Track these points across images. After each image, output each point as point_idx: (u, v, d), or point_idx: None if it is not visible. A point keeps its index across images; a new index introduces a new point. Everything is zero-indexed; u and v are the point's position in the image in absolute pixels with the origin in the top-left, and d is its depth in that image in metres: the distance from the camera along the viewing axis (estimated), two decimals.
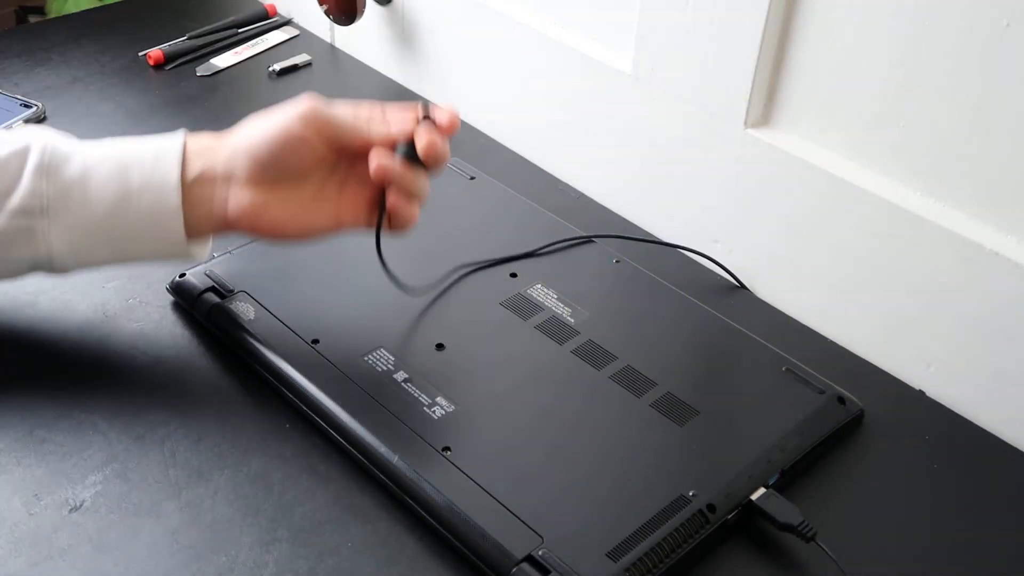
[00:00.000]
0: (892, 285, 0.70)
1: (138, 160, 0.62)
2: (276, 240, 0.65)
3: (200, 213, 0.63)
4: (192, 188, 0.62)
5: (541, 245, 0.77)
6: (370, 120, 0.63)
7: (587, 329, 0.70)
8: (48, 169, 0.62)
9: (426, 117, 0.63)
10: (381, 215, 0.64)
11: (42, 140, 0.63)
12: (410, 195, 0.63)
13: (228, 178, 0.62)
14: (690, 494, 0.58)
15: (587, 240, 0.78)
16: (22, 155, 0.62)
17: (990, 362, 0.67)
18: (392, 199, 0.63)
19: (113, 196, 0.62)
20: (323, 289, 0.71)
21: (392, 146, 0.63)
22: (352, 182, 0.64)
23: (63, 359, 0.67)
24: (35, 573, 0.55)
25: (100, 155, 0.63)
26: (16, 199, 0.61)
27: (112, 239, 0.63)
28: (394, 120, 0.63)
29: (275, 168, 0.62)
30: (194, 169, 0.62)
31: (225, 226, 0.64)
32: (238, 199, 0.62)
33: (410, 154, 0.62)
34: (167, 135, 0.64)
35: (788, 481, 0.62)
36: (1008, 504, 0.63)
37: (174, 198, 0.62)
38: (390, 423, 0.62)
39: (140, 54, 1.05)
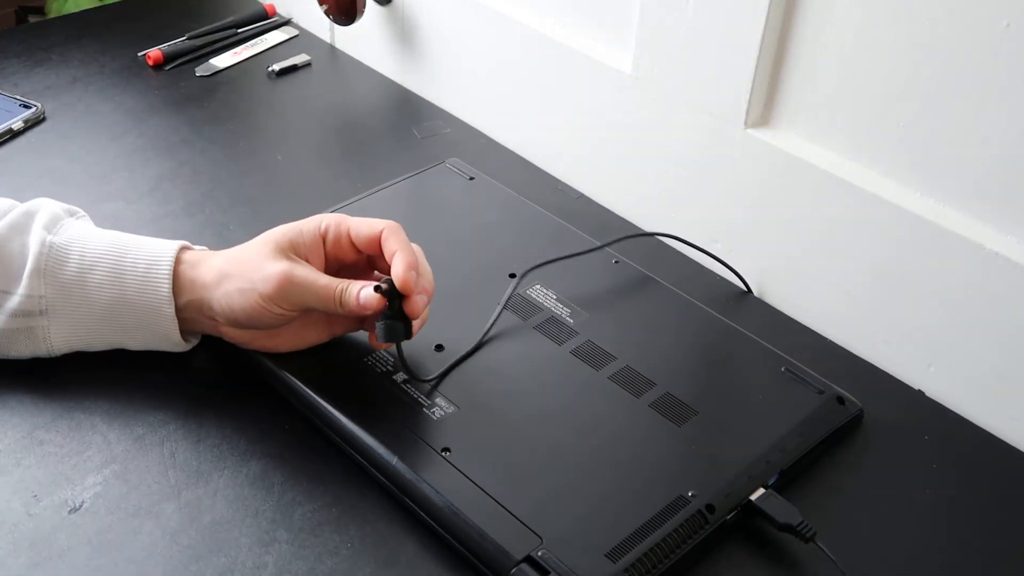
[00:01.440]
0: (892, 285, 0.70)
1: (132, 268, 0.64)
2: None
3: (191, 327, 0.66)
4: (183, 310, 0.65)
5: (542, 246, 0.77)
6: (341, 299, 0.62)
7: (586, 330, 0.70)
8: (46, 272, 0.63)
9: (389, 289, 0.61)
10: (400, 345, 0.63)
11: (40, 235, 0.64)
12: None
13: (213, 318, 0.65)
14: (689, 494, 0.58)
15: (649, 236, 0.78)
16: (22, 255, 0.63)
17: (990, 362, 0.67)
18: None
19: (109, 299, 0.64)
20: None
21: (363, 313, 0.62)
22: None
23: (63, 359, 0.67)
24: (35, 574, 0.55)
25: (96, 254, 0.64)
26: (15, 301, 0.63)
27: (108, 334, 0.66)
28: (363, 299, 0.61)
29: (255, 327, 0.64)
30: (183, 297, 0.64)
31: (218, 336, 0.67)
32: (227, 332, 0.66)
33: (394, 316, 0.62)
34: (160, 244, 0.65)
35: (787, 481, 0.62)
36: (1008, 504, 0.63)
37: (168, 309, 0.64)
38: (389, 424, 0.62)
39: (140, 54, 1.05)
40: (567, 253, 0.75)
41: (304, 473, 0.62)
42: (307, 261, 0.63)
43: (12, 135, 0.91)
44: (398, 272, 0.61)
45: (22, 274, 0.63)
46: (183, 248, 0.65)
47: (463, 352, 0.67)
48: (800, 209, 0.74)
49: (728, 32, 0.72)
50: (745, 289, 0.79)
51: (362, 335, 0.68)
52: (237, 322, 0.63)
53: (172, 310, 0.64)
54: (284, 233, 0.63)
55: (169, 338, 0.65)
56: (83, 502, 0.59)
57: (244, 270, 0.62)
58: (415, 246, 0.64)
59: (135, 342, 0.66)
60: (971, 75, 0.62)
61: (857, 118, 0.69)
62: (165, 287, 0.63)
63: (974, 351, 0.67)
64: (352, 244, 0.64)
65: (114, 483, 0.61)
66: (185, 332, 0.65)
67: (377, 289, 0.60)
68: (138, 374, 0.67)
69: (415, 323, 0.63)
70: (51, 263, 0.63)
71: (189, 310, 0.64)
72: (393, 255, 0.62)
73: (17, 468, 0.61)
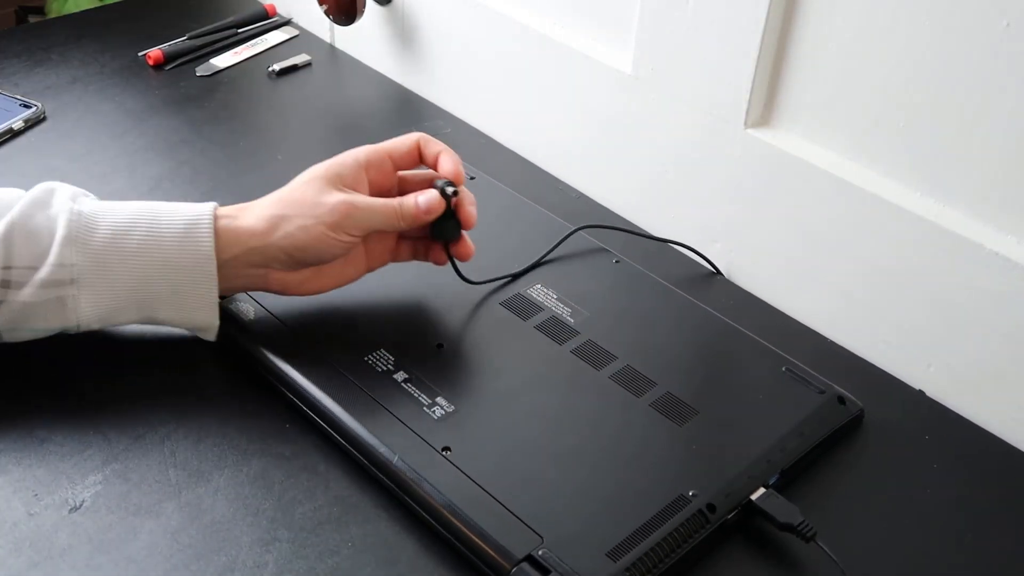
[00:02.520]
0: (892, 285, 0.70)
1: (169, 229, 0.63)
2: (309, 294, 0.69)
3: (233, 284, 0.66)
4: (227, 266, 0.64)
5: (543, 246, 0.77)
6: (402, 212, 0.65)
7: (587, 329, 0.70)
8: (77, 239, 0.62)
9: (450, 191, 0.66)
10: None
11: (67, 205, 0.63)
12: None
13: (265, 267, 0.65)
14: (690, 494, 0.58)
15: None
16: (50, 228, 0.62)
17: (990, 362, 0.67)
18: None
19: (146, 263, 0.63)
20: None
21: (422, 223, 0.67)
22: (376, 233, 0.67)
23: (63, 359, 0.67)
24: (35, 573, 0.55)
25: (128, 221, 0.63)
26: (44, 272, 0.61)
27: (140, 304, 0.64)
28: (423, 202, 0.66)
29: (315, 263, 0.66)
30: (229, 252, 0.64)
31: (258, 290, 0.68)
32: (277, 279, 0.66)
33: (446, 219, 0.67)
34: (193, 205, 0.65)
35: (788, 481, 0.62)
36: (1008, 504, 0.63)
37: (210, 267, 0.63)
38: (390, 423, 0.62)
39: (140, 54, 1.05)
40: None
41: (304, 472, 0.62)
42: (354, 191, 0.66)
43: (12, 135, 0.91)
44: (447, 168, 0.66)
45: (51, 246, 0.62)
46: (216, 206, 0.65)
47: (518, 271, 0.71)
48: (800, 209, 0.74)
49: (728, 32, 0.72)
50: (737, 287, 0.79)
51: (362, 332, 0.68)
52: (301, 260, 0.64)
53: (214, 268, 0.63)
54: (328, 168, 0.66)
55: (204, 304, 0.64)
56: (83, 501, 0.59)
57: (301, 209, 0.64)
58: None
59: (165, 314, 0.65)
60: (971, 75, 0.62)
61: (857, 118, 0.69)
62: (208, 245, 0.63)
63: (974, 351, 0.67)
64: (392, 165, 0.67)
65: (115, 482, 0.61)
66: (224, 291, 0.65)
67: (442, 193, 0.66)
68: (139, 373, 0.67)
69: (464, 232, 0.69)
70: (82, 230, 0.62)
71: (235, 265, 0.64)
72: (437, 156, 0.67)
73: (18, 467, 0.61)
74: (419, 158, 0.68)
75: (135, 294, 0.63)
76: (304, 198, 0.64)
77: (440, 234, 0.68)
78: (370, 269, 0.69)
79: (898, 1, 0.64)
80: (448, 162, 0.66)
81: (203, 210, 0.64)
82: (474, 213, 0.67)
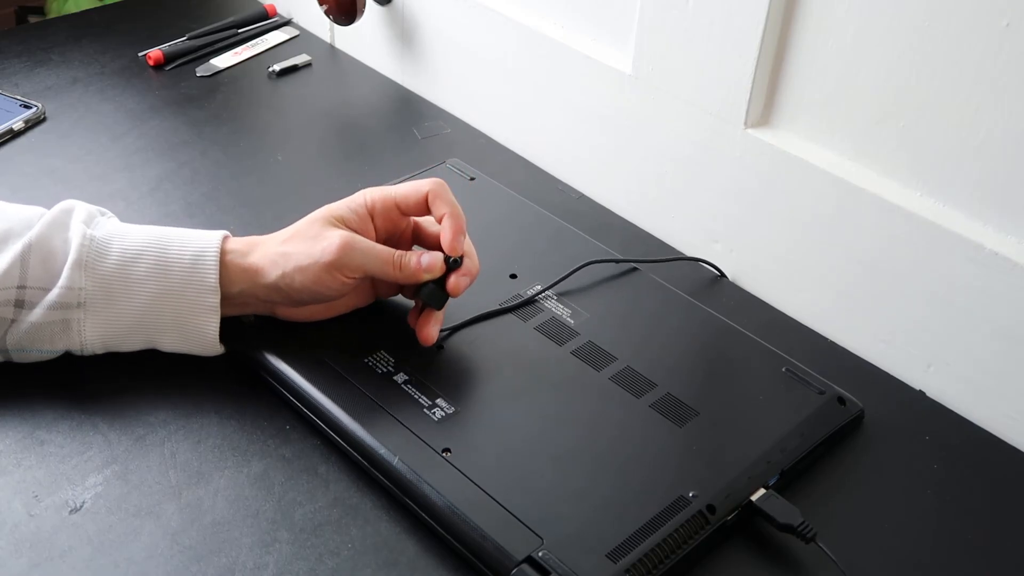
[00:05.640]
0: (892, 285, 0.70)
1: (178, 260, 0.64)
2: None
3: (242, 310, 0.67)
4: (235, 297, 0.65)
5: (543, 246, 0.77)
6: (400, 264, 0.64)
7: (587, 330, 0.70)
8: (87, 264, 0.63)
9: (454, 260, 0.65)
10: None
11: (81, 229, 0.64)
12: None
13: (268, 302, 0.66)
14: (690, 495, 0.58)
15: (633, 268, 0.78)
16: (64, 251, 0.63)
17: (990, 362, 0.67)
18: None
19: (151, 292, 0.63)
20: None
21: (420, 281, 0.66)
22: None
23: (63, 360, 0.67)
24: (35, 574, 0.55)
25: (137, 248, 0.64)
26: (53, 294, 0.62)
27: (144, 331, 0.65)
28: (425, 263, 0.65)
29: (315, 303, 0.66)
30: (236, 287, 0.65)
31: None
32: (283, 312, 0.67)
33: (439, 284, 0.65)
34: (203, 235, 0.65)
35: (788, 482, 0.62)
36: (1008, 504, 0.63)
37: (212, 300, 0.64)
38: (390, 425, 0.62)
39: (140, 54, 1.05)
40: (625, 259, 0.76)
41: (305, 473, 0.62)
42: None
43: (13, 135, 0.91)
44: (445, 238, 0.64)
45: (63, 269, 0.63)
46: (226, 237, 0.66)
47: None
48: (800, 209, 0.74)
49: (728, 32, 0.72)
50: (735, 286, 0.79)
51: (362, 334, 0.68)
52: (301, 302, 0.65)
53: (217, 301, 0.64)
54: (332, 211, 0.65)
55: (205, 335, 0.65)
56: (84, 502, 0.59)
57: (301, 248, 0.64)
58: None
59: (168, 341, 0.66)
60: (971, 75, 0.62)
61: (857, 118, 0.69)
62: (212, 278, 0.64)
63: (974, 351, 0.67)
64: (400, 212, 0.66)
65: (115, 483, 0.61)
66: (232, 315, 0.66)
67: (446, 259, 0.65)
68: (139, 374, 0.67)
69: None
70: (92, 255, 0.63)
71: (242, 297, 0.65)
72: (441, 219, 0.65)
73: (18, 468, 0.61)
74: (427, 209, 0.66)
75: (139, 321, 0.64)
76: (304, 237, 0.64)
77: (425, 295, 0.65)
78: (379, 297, 0.70)
79: (898, 1, 0.64)
80: (447, 231, 0.64)
81: (211, 242, 0.65)
82: (463, 285, 0.65)
